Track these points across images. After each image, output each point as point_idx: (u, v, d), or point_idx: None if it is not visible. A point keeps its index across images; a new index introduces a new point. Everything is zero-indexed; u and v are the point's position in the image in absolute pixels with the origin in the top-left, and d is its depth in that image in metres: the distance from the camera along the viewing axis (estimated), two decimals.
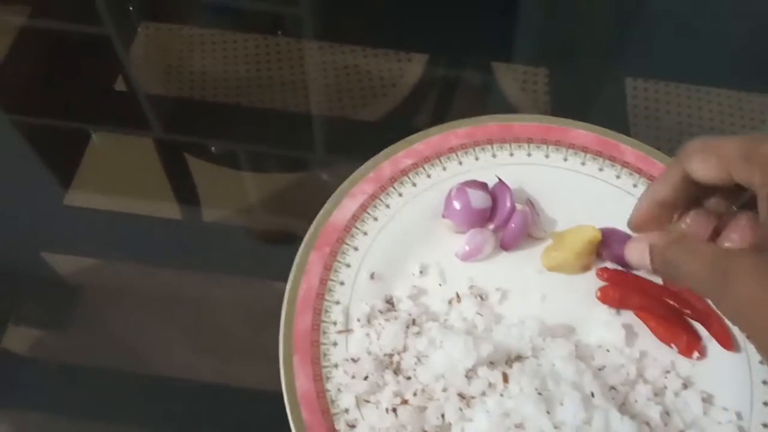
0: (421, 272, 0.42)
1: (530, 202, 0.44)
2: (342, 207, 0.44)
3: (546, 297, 0.42)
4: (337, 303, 0.40)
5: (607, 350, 0.39)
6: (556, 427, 0.34)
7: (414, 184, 0.45)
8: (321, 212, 0.43)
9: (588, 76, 0.59)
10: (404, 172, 0.45)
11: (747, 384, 0.39)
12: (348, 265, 0.42)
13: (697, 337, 0.41)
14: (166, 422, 0.42)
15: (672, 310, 0.41)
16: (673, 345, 0.40)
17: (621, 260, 0.42)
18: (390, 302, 0.41)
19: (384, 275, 0.42)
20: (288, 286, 0.40)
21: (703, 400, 0.38)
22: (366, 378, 0.37)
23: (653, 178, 0.46)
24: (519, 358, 0.38)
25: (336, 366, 0.38)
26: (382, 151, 0.46)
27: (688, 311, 0.41)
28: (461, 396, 0.36)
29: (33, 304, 0.47)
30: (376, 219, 0.44)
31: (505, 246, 0.43)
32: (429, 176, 0.46)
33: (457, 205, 0.43)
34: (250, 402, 0.42)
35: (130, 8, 0.62)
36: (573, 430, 0.34)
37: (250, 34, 0.59)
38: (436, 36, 0.60)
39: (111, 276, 0.48)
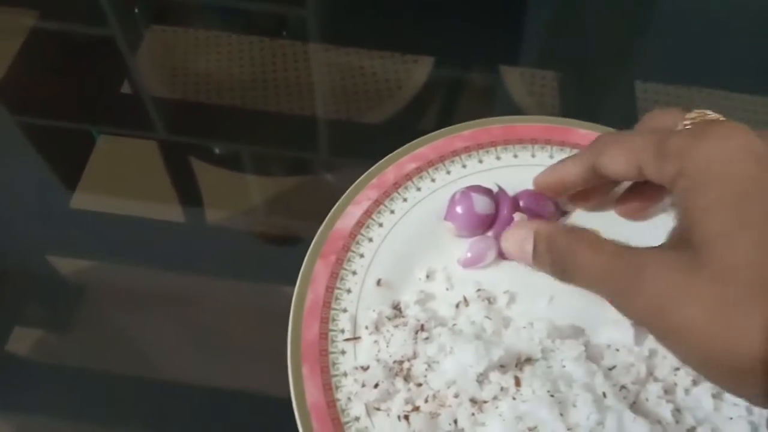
0: (427, 277, 0.42)
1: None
2: (346, 214, 0.44)
3: (554, 298, 0.42)
4: (345, 311, 0.40)
5: (617, 349, 0.39)
6: (569, 430, 0.34)
7: (418, 189, 0.45)
8: (326, 220, 0.43)
9: (596, 79, 0.59)
10: (408, 177, 0.45)
11: None
12: (354, 273, 0.42)
13: None
14: (172, 428, 0.42)
15: None
16: None
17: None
18: (397, 308, 0.41)
19: (390, 281, 0.42)
20: (294, 296, 0.40)
21: (714, 396, 0.38)
22: (376, 386, 0.37)
23: None
24: (529, 360, 0.38)
25: (345, 375, 0.38)
26: (385, 157, 0.46)
27: None
28: (473, 401, 0.35)
29: (38, 306, 0.47)
30: (381, 225, 0.44)
31: (503, 254, 0.43)
32: (433, 180, 0.46)
33: (459, 209, 0.43)
34: (258, 409, 0.42)
35: (136, 10, 0.62)
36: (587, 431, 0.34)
37: (254, 36, 0.59)
38: (442, 38, 0.60)
39: (116, 278, 0.48)
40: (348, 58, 0.58)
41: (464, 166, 0.46)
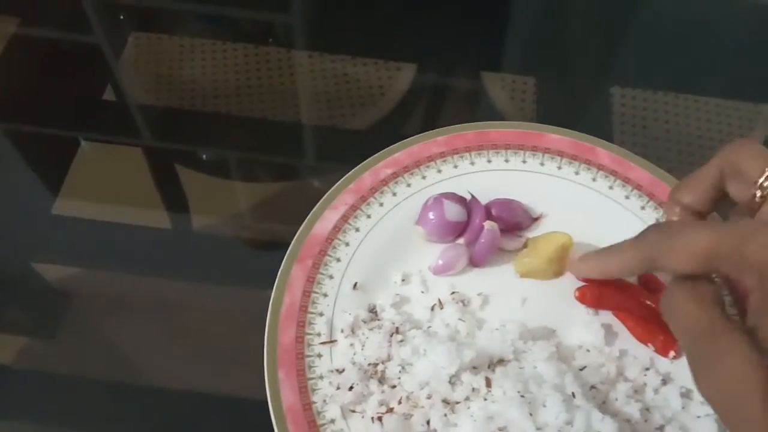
0: (403, 280, 0.43)
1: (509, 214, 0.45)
2: (323, 219, 0.44)
3: (526, 300, 0.43)
4: (321, 314, 0.41)
5: (587, 350, 0.40)
6: (539, 429, 0.34)
7: (394, 194, 0.46)
8: (303, 225, 0.44)
9: (576, 85, 0.60)
10: (384, 182, 0.46)
11: None
12: (331, 277, 0.42)
13: (674, 337, 0.41)
14: (152, 429, 0.42)
15: (649, 310, 0.42)
16: (650, 344, 0.41)
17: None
18: (373, 311, 0.41)
19: (367, 285, 0.42)
20: (271, 301, 0.41)
21: (682, 395, 0.39)
22: (351, 388, 0.37)
23: (628, 180, 0.47)
24: (501, 361, 0.39)
25: (321, 377, 0.39)
26: (362, 163, 0.46)
27: None
28: (446, 402, 0.36)
29: (20, 311, 0.47)
30: (357, 229, 0.44)
31: (474, 263, 0.44)
32: (409, 185, 0.46)
33: (431, 215, 0.43)
34: (235, 412, 0.42)
35: (121, 17, 0.62)
36: (556, 431, 0.34)
37: (240, 43, 0.60)
38: (425, 45, 0.61)
39: (99, 284, 0.48)
40: (333, 65, 0.59)
41: (439, 171, 0.47)
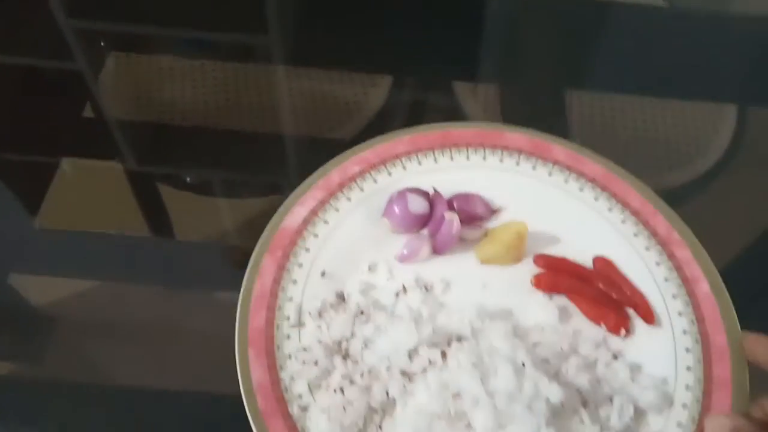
0: (369, 269, 0.45)
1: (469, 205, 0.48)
2: (293, 213, 0.47)
3: (486, 285, 0.45)
4: (290, 300, 0.43)
5: (543, 329, 0.42)
6: (489, 394, 0.36)
7: (362, 189, 0.49)
8: (273, 218, 0.46)
9: (543, 90, 0.64)
10: (352, 178, 0.49)
11: (671, 353, 0.42)
12: (300, 265, 0.45)
13: (625, 316, 0.44)
14: (130, 406, 0.44)
15: (601, 293, 0.45)
16: (602, 323, 0.43)
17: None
18: (341, 296, 0.44)
19: (335, 273, 0.45)
20: (243, 287, 0.43)
21: (631, 369, 0.41)
22: (316, 363, 0.39)
23: (583, 174, 0.50)
24: (459, 339, 0.41)
25: (289, 357, 0.41)
26: (330, 160, 0.49)
27: (615, 293, 0.45)
28: (404, 373, 0.38)
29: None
30: (326, 222, 0.47)
31: (436, 251, 0.46)
32: (375, 181, 0.49)
33: (396, 207, 0.46)
34: (208, 391, 0.44)
35: (102, 44, 0.65)
36: (505, 396, 0.37)
37: (218, 63, 0.63)
38: (400, 59, 0.64)
39: (80, 301, 0.50)
40: (309, 83, 0.62)
41: (404, 168, 0.50)
